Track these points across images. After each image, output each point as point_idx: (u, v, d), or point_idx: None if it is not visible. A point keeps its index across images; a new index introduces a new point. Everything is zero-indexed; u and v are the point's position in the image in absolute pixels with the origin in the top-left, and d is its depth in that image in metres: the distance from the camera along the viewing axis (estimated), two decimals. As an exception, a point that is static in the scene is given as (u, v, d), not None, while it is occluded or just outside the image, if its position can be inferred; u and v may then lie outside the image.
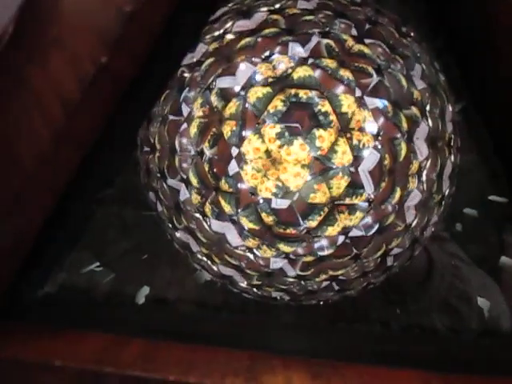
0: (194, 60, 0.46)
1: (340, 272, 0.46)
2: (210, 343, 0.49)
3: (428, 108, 0.45)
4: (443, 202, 0.49)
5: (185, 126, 0.45)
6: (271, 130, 0.41)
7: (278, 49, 0.43)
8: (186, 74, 0.46)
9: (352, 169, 0.41)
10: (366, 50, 0.43)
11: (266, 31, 0.44)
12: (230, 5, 0.49)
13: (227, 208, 0.44)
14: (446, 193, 0.49)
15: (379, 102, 0.42)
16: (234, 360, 0.47)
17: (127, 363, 0.47)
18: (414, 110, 0.44)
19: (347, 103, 0.41)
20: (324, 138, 0.41)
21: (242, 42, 0.44)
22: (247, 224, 0.44)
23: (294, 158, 0.41)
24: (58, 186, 0.47)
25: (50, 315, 0.57)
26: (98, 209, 0.65)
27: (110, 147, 0.49)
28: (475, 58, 0.58)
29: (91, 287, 0.62)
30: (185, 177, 0.45)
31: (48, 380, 0.48)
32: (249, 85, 0.42)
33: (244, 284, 0.50)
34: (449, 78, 0.51)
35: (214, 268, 0.49)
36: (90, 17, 0.38)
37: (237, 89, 0.43)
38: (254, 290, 0.50)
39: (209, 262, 0.49)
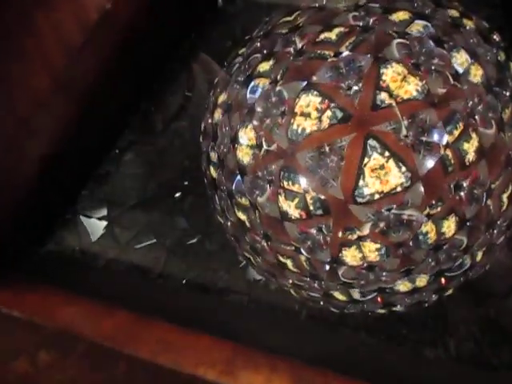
0: (265, 52, 0.46)
1: (388, 285, 0.44)
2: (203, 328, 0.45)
3: (507, 122, 0.42)
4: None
5: (248, 117, 0.45)
6: (331, 128, 0.40)
7: (350, 46, 0.42)
8: (255, 65, 0.46)
9: (413, 179, 0.39)
10: (445, 54, 0.41)
11: (341, 28, 0.43)
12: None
13: (280, 203, 0.43)
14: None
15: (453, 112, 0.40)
16: (214, 349, 0.43)
17: (102, 332, 0.44)
18: (493, 123, 0.41)
19: (416, 107, 0.39)
20: (388, 142, 0.39)
21: (315, 38, 0.43)
22: (298, 222, 0.43)
23: (349, 160, 0.39)
24: (55, 134, 0.45)
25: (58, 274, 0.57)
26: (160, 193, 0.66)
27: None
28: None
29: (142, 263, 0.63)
30: (241, 168, 0.45)
31: (22, 335, 0.47)
32: (317, 81, 0.41)
33: (288, 283, 0.49)
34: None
35: (260, 262, 0.49)
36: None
37: (303, 84, 0.42)
38: (298, 290, 0.50)
39: (256, 256, 0.49)
